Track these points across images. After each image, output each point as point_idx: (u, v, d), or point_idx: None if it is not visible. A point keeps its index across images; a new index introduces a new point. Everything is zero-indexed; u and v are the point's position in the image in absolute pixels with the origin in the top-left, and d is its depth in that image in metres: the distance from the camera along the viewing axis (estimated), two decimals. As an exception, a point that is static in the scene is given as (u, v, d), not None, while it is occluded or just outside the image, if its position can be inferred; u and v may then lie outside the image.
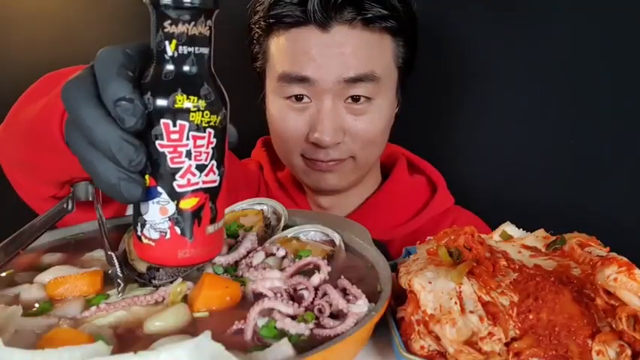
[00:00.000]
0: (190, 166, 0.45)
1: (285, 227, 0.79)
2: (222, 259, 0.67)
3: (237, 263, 0.67)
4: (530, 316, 0.55)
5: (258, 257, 0.66)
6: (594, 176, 1.16)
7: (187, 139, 0.44)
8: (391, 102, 0.99)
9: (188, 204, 0.46)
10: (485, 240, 0.67)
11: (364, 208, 1.08)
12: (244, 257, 0.67)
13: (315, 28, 0.89)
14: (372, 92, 0.93)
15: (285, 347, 0.49)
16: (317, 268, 0.63)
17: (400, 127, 1.10)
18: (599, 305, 0.56)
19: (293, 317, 0.55)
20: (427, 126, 1.28)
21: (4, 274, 0.65)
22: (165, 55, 0.44)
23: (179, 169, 0.45)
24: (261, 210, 0.83)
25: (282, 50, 0.93)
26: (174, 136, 0.44)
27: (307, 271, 0.64)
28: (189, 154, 0.45)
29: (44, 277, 0.63)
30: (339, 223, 0.79)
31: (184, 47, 0.44)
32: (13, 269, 0.66)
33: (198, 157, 0.45)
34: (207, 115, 0.44)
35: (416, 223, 1.05)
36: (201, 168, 0.46)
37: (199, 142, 0.45)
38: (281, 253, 0.67)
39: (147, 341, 0.50)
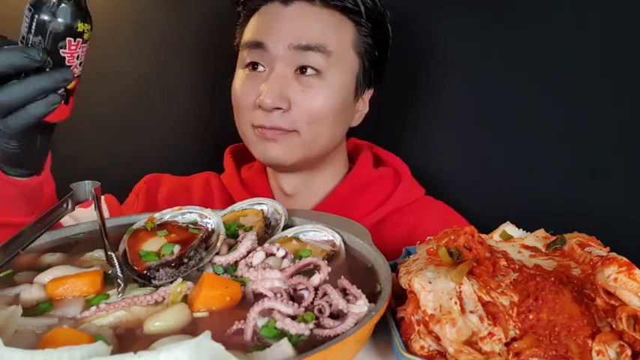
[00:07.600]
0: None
1: (285, 227, 0.79)
2: (222, 259, 0.67)
3: (237, 263, 0.67)
4: (531, 316, 0.55)
5: (258, 257, 0.66)
6: (594, 176, 1.16)
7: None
8: (345, 84, 1.01)
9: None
10: (485, 240, 0.67)
11: (328, 199, 1.09)
12: (244, 257, 0.67)
13: (279, 3, 0.99)
14: (322, 64, 0.96)
15: (285, 347, 0.49)
16: (317, 268, 0.63)
17: (376, 124, 1.11)
18: (599, 305, 0.56)
19: (293, 317, 0.55)
20: (405, 124, 1.29)
21: (4, 274, 0.65)
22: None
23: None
24: (261, 210, 0.83)
25: (250, 26, 1.03)
26: (73, 48, 0.69)
27: (307, 271, 0.64)
28: (78, 58, 0.71)
29: (44, 277, 0.63)
30: (339, 223, 0.79)
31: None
32: (13, 269, 0.66)
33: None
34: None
35: (379, 214, 1.07)
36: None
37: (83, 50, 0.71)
38: (281, 253, 0.67)
39: (147, 341, 0.50)
